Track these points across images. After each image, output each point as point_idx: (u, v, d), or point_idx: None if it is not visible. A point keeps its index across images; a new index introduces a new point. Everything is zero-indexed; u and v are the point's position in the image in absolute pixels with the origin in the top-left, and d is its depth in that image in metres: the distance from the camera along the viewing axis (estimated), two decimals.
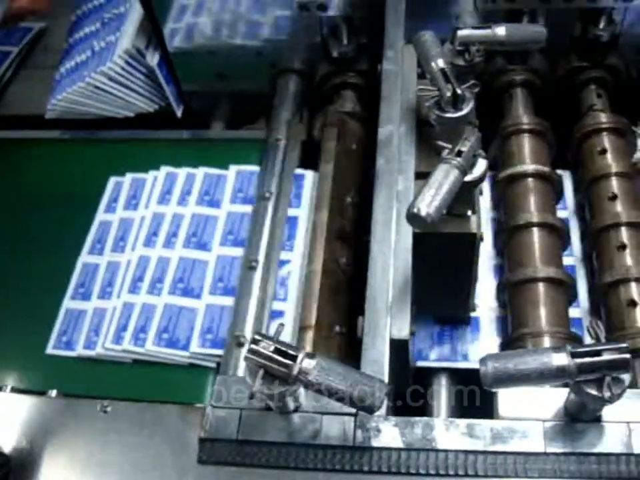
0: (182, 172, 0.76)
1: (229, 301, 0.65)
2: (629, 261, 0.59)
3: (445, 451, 0.43)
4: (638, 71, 0.75)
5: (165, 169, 0.77)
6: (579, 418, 0.42)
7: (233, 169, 0.76)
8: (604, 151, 0.66)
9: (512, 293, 0.60)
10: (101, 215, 0.76)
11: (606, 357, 0.37)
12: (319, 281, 0.60)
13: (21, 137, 0.86)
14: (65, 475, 0.47)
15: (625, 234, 0.61)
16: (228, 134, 0.84)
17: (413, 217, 0.45)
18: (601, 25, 0.70)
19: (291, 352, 0.39)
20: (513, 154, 0.68)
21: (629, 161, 0.67)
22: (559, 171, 0.69)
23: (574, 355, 0.37)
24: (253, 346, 0.39)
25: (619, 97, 0.74)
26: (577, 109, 0.73)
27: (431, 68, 0.53)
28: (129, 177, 0.78)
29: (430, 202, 0.45)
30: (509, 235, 0.63)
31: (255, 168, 0.75)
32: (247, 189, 0.74)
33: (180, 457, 0.44)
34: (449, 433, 0.44)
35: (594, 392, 0.38)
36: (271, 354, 0.39)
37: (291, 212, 0.69)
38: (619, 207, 0.63)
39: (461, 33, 0.55)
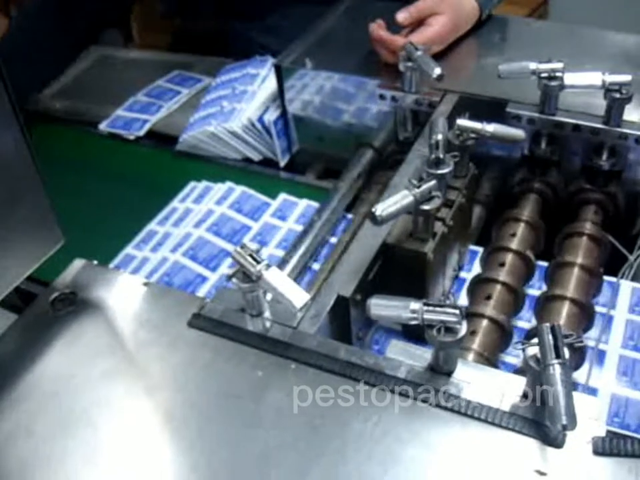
0: (239, 188, 1.03)
1: None
2: None
3: None
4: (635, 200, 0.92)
5: (228, 183, 1.04)
6: (437, 370, 0.60)
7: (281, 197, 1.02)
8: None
9: None
10: (174, 203, 1.05)
11: (444, 309, 0.56)
12: None
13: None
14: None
15: None
16: (312, 180, 1.10)
17: (372, 215, 0.67)
18: (604, 157, 0.89)
19: (259, 259, 0.61)
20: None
21: (595, 263, 0.84)
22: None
23: (426, 304, 0.56)
24: (237, 248, 0.61)
25: (615, 219, 0.92)
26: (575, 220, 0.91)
27: (430, 139, 0.75)
28: (203, 183, 1.06)
29: (385, 208, 0.66)
30: None
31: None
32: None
33: (174, 324, 0.65)
34: None
35: (434, 333, 0.56)
36: (245, 255, 0.61)
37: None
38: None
39: (460, 122, 0.78)
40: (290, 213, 0.99)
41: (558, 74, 0.84)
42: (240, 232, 0.96)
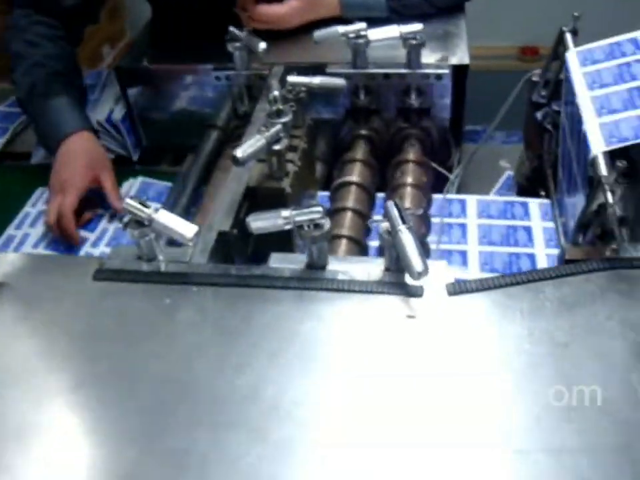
0: None
1: None
2: None
3: None
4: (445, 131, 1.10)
5: None
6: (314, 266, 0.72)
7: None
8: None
9: None
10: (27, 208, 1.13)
11: (309, 209, 0.68)
12: None
13: None
14: None
15: None
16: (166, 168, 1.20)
17: (234, 158, 0.78)
18: (412, 97, 1.06)
19: (148, 205, 0.70)
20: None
21: (422, 182, 1.00)
22: None
23: (294, 209, 0.69)
24: (127, 199, 0.71)
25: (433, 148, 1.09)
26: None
27: (268, 97, 0.87)
28: None
29: (244, 150, 0.78)
30: None
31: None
32: None
33: (80, 282, 0.73)
34: None
35: (305, 231, 0.68)
36: (136, 204, 0.70)
37: None
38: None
39: (290, 78, 0.91)
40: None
41: (362, 32, 0.99)
42: None
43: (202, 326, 0.66)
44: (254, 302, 0.68)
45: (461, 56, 1.04)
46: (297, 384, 0.59)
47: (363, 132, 1.07)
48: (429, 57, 1.04)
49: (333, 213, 0.93)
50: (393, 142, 1.08)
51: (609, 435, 0.54)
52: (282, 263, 0.72)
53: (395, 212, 0.66)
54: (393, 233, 0.66)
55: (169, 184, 1.12)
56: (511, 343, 0.61)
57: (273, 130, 0.81)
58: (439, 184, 1.05)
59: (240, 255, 0.82)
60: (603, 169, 0.69)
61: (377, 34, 1.00)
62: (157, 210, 0.71)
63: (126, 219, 0.71)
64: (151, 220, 0.70)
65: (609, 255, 0.70)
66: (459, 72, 1.03)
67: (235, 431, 0.56)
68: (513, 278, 0.67)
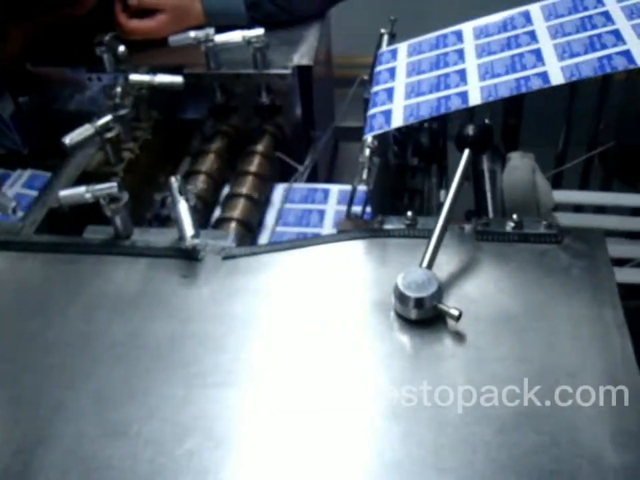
0: None
1: None
2: None
3: None
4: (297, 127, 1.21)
5: None
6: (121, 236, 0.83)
7: None
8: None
9: None
10: None
11: (105, 184, 0.79)
12: None
13: None
14: None
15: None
16: None
17: (63, 145, 0.89)
18: (263, 96, 1.17)
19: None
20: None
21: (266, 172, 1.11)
22: None
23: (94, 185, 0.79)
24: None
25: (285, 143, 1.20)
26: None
27: (111, 93, 0.99)
28: None
29: (72, 137, 0.89)
30: None
31: None
32: None
33: None
34: None
35: (105, 205, 0.79)
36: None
37: None
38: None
39: (132, 77, 1.02)
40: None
41: (211, 37, 1.11)
42: None
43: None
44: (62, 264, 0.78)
45: (306, 58, 1.16)
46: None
47: (222, 128, 1.18)
48: (280, 59, 1.15)
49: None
50: (250, 137, 1.19)
51: None
52: (94, 234, 0.83)
53: (174, 187, 0.77)
54: (172, 204, 0.76)
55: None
56: (272, 301, 0.72)
57: (103, 120, 0.92)
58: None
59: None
60: (367, 150, 0.80)
61: (223, 38, 1.11)
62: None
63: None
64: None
65: (376, 227, 0.80)
66: (304, 73, 1.14)
67: None
68: (279, 245, 0.78)
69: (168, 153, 1.13)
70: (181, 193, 0.76)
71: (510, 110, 1.13)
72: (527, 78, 0.80)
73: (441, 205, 0.74)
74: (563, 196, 1.16)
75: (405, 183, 1.13)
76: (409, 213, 0.78)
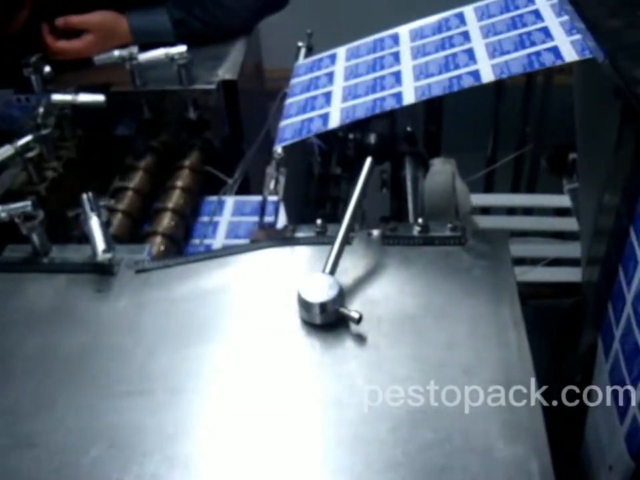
0: None
1: None
2: None
3: None
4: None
5: None
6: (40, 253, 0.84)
7: None
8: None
9: None
10: None
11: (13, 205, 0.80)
12: None
13: None
14: None
15: None
16: None
17: None
18: (190, 111, 1.19)
19: None
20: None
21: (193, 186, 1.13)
22: None
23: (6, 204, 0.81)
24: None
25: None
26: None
27: (35, 113, 1.00)
28: None
29: None
30: None
31: None
32: None
33: None
34: None
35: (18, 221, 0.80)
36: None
37: None
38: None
39: (54, 97, 1.04)
40: None
41: (135, 55, 1.13)
42: None
43: None
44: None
45: (230, 73, 1.18)
46: None
47: (151, 144, 1.20)
48: (205, 74, 1.17)
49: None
50: (180, 152, 1.21)
51: None
52: (13, 252, 0.84)
53: (86, 203, 0.79)
54: (84, 220, 0.78)
55: None
56: (182, 311, 0.74)
57: (23, 140, 0.93)
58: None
59: None
60: (273, 162, 0.83)
61: (146, 56, 1.13)
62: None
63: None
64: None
65: (288, 235, 0.83)
66: (229, 87, 1.17)
67: None
68: (192, 257, 0.80)
69: (98, 170, 1.15)
70: (92, 209, 0.78)
71: (430, 117, 1.16)
72: (459, 77, 0.83)
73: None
74: (491, 199, 1.20)
75: (328, 191, 1.16)
76: (319, 221, 0.81)
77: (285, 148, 0.83)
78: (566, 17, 0.82)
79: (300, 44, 1.06)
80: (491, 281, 0.75)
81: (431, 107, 1.15)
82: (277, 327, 0.71)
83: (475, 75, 0.80)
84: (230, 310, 0.73)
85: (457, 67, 0.83)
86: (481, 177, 1.44)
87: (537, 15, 0.86)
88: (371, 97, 0.85)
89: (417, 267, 0.77)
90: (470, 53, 0.85)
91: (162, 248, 0.97)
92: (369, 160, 0.78)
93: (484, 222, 1.08)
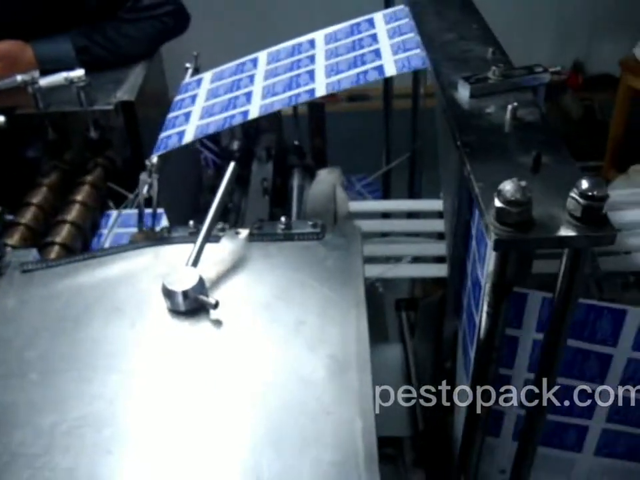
0: None
1: None
2: None
3: None
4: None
5: None
6: None
7: None
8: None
9: None
10: None
11: None
12: None
13: None
14: None
15: None
16: None
17: None
18: (92, 131, 1.28)
19: None
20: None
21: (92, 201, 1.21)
22: None
23: None
24: None
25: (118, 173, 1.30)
26: None
27: None
28: None
29: None
30: None
31: None
32: None
33: None
34: None
35: None
36: None
37: None
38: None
39: None
40: None
41: (36, 79, 1.21)
42: None
43: None
44: None
45: (127, 95, 1.27)
46: None
47: (56, 163, 1.27)
48: (104, 96, 1.26)
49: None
50: (84, 169, 1.29)
51: None
52: None
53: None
54: None
55: None
56: (61, 306, 0.81)
57: None
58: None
59: None
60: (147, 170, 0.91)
61: (46, 80, 1.21)
62: None
63: None
64: None
65: (165, 236, 0.91)
66: (127, 108, 1.25)
67: None
68: (75, 258, 0.88)
69: (8, 190, 1.22)
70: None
71: (314, 132, 1.26)
72: (297, 95, 0.94)
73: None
74: (368, 206, 1.30)
75: None
76: (191, 222, 0.89)
77: (160, 157, 0.91)
78: (398, 39, 0.94)
79: (187, 65, 1.16)
80: (341, 269, 0.85)
81: (314, 124, 1.26)
82: (145, 315, 0.79)
83: (311, 92, 0.92)
84: (102, 302, 0.81)
85: (298, 85, 0.94)
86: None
87: (374, 37, 0.98)
88: (223, 115, 0.96)
89: (277, 259, 0.86)
90: (311, 74, 0.96)
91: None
92: (232, 165, 0.88)
93: (367, 226, 1.17)
